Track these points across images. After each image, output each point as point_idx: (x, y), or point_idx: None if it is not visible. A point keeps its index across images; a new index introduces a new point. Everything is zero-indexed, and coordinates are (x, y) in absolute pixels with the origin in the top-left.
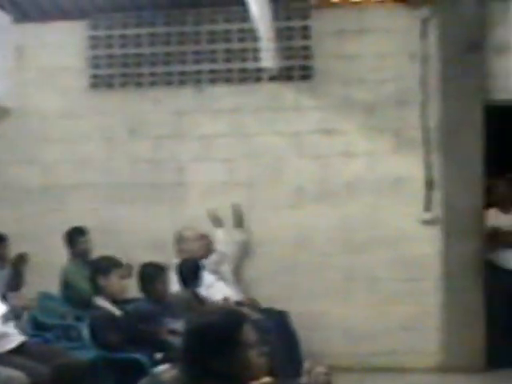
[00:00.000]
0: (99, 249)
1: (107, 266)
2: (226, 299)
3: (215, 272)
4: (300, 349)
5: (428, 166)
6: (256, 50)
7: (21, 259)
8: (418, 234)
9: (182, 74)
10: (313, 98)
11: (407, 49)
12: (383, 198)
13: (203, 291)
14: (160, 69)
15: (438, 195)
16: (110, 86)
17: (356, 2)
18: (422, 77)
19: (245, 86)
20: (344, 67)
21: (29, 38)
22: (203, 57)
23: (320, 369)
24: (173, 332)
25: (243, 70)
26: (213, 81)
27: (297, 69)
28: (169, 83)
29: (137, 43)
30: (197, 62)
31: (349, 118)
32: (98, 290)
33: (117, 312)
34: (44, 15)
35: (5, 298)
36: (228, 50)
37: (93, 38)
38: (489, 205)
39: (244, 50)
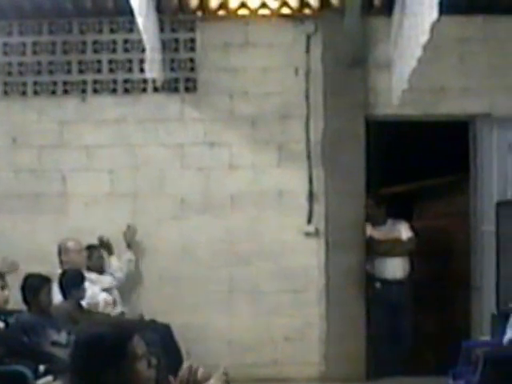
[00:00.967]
0: None
1: None
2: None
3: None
4: (183, 361)
5: (311, 179)
6: (141, 61)
7: None
8: (301, 246)
9: (67, 83)
10: (197, 109)
11: (291, 63)
12: (266, 211)
13: (86, 302)
14: (44, 78)
15: (320, 208)
16: None
17: (241, 16)
18: (305, 91)
19: (129, 97)
20: (229, 80)
21: None
22: (88, 66)
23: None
24: (56, 344)
25: (128, 81)
26: (97, 91)
27: (182, 81)
28: (53, 92)
29: (21, 51)
30: (81, 71)
31: (233, 131)
32: None
33: None
34: None
35: None
36: (113, 61)
37: None
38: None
39: (129, 61)
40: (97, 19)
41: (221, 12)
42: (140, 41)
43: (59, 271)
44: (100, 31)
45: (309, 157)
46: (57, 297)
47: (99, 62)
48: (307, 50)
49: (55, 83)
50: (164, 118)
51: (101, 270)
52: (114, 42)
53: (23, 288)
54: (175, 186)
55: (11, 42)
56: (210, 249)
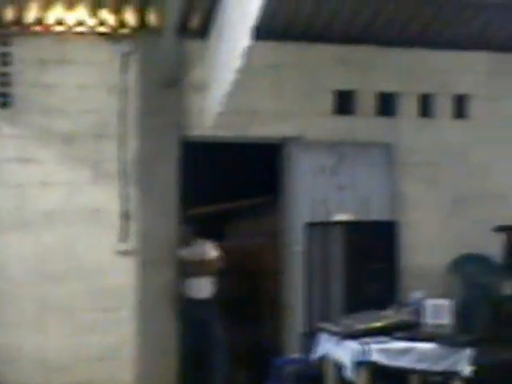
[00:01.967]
0: None
1: None
2: None
3: None
4: None
5: (124, 198)
6: None
7: None
8: (114, 265)
9: None
10: (11, 125)
11: (107, 81)
12: (80, 229)
13: None
14: None
15: (135, 226)
16: None
17: (58, 33)
18: (120, 110)
19: None
20: (44, 96)
21: None
22: None
23: None
24: None
25: None
26: None
27: None
28: None
29: None
30: None
31: (48, 148)
32: None
33: None
34: None
35: None
36: None
37: None
38: None
39: None
40: None
41: (37, 28)
42: None
43: None
44: None
45: (123, 176)
46: None
47: None
48: (123, 69)
49: None
50: None
51: None
52: None
53: None
54: None
55: None
56: (22, 266)
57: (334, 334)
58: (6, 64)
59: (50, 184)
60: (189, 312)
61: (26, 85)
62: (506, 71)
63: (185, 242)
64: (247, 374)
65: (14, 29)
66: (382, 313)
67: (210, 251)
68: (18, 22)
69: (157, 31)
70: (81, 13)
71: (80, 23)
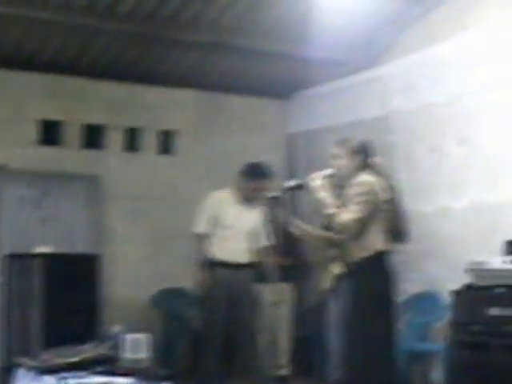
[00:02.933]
0: None
1: None
2: None
3: None
4: None
5: None
6: None
7: None
8: None
9: None
10: None
11: None
12: None
13: None
14: None
15: None
16: None
17: None
18: None
19: None
20: None
21: None
22: None
23: None
24: None
25: None
26: None
27: None
28: None
29: None
30: None
31: None
32: None
33: None
34: None
35: None
36: None
37: None
38: None
39: None
40: None
41: None
42: None
43: None
44: None
45: None
46: None
47: None
48: None
49: None
50: None
51: None
52: None
53: None
54: None
55: None
56: None
57: (32, 368)
58: None
59: None
60: None
61: None
62: (213, 109)
63: None
64: None
65: None
66: (82, 347)
67: None
68: None
69: None
70: None
71: None
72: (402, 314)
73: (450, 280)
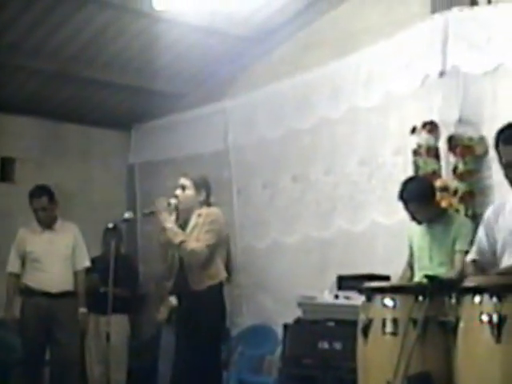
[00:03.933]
0: None
1: None
2: None
3: None
4: None
5: None
6: None
7: None
8: None
9: None
10: None
11: None
12: None
13: None
14: None
15: None
16: None
17: None
18: None
19: None
20: None
21: None
22: None
23: None
24: None
25: None
26: None
27: None
28: None
29: None
30: None
31: None
32: None
33: None
34: None
35: None
36: None
37: None
38: None
39: None
40: None
41: None
42: None
43: None
44: None
45: None
46: None
47: None
48: None
49: None
50: None
51: None
52: None
53: None
54: None
55: None
56: None
57: None
58: None
59: None
60: None
61: None
62: (53, 137)
63: None
64: None
65: None
66: None
67: None
68: None
69: None
70: None
71: None
72: (236, 347)
73: (282, 314)
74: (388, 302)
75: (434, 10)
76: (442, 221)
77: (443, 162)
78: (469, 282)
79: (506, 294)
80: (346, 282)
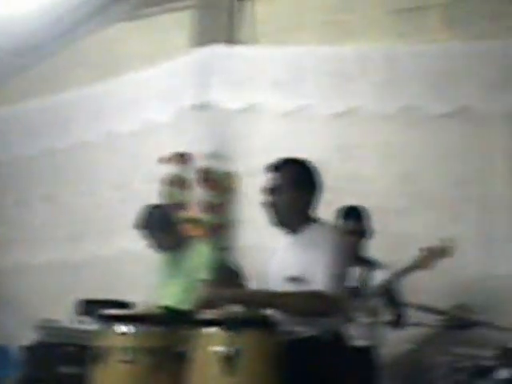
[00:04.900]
0: None
1: None
2: None
3: None
4: None
5: None
6: None
7: None
8: None
9: None
10: None
11: None
12: None
13: None
14: None
15: None
16: None
17: None
18: None
19: None
20: None
21: None
22: None
23: None
24: None
25: None
26: None
27: None
28: None
29: None
30: None
31: None
32: None
33: None
34: None
35: None
36: None
37: None
38: None
39: None
40: None
41: None
42: None
43: None
44: None
45: None
46: None
47: None
48: None
49: None
50: None
51: None
52: None
53: None
54: None
55: None
56: None
57: None
58: None
59: None
60: None
61: None
62: None
63: None
64: None
65: None
66: None
67: None
68: None
69: None
70: None
71: None
72: None
73: (23, 336)
74: (125, 329)
75: (195, 45)
76: (186, 250)
77: (193, 194)
78: (204, 315)
79: (240, 327)
80: (90, 307)
